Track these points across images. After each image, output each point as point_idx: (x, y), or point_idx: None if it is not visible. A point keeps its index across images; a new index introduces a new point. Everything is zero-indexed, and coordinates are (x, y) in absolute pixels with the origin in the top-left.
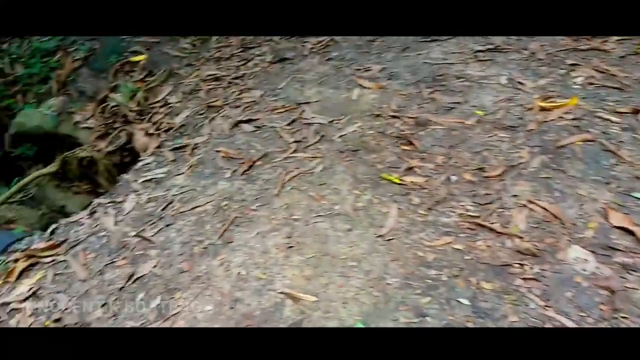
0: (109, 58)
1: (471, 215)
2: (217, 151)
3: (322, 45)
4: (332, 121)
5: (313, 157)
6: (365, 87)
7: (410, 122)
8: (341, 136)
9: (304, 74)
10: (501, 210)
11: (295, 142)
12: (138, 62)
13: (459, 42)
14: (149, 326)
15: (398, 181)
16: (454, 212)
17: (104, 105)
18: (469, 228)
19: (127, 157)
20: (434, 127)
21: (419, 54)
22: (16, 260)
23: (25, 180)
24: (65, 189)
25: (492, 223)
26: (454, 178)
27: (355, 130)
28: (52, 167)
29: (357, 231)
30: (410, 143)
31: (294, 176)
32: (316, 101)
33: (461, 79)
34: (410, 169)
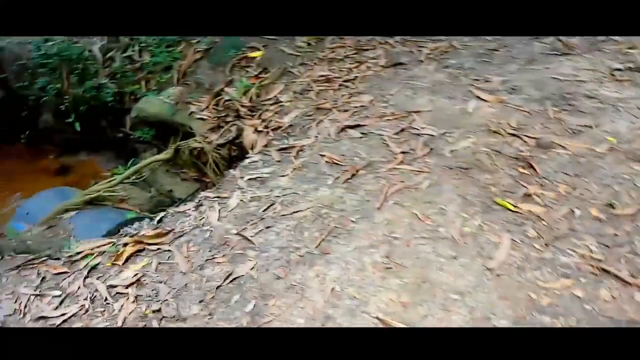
0: (228, 52)
1: (595, 258)
2: (322, 155)
3: (439, 52)
4: (443, 133)
5: (420, 171)
6: (482, 100)
7: (531, 142)
8: (452, 151)
9: (417, 80)
10: (631, 255)
11: (402, 152)
12: (254, 58)
13: (593, 57)
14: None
15: (513, 208)
16: (575, 251)
17: (218, 98)
18: (591, 272)
19: (235, 151)
20: (559, 151)
21: (547, 68)
22: (125, 245)
23: (141, 164)
24: (174, 174)
25: (620, 270)
26: (577, 212)
27: (468, 146)
28: (165, 154)
29: (463, 260)
30: (530, 166)
31: (398, 190)
32: (428, 111)
33: (593, 100)
34: (527, 195)
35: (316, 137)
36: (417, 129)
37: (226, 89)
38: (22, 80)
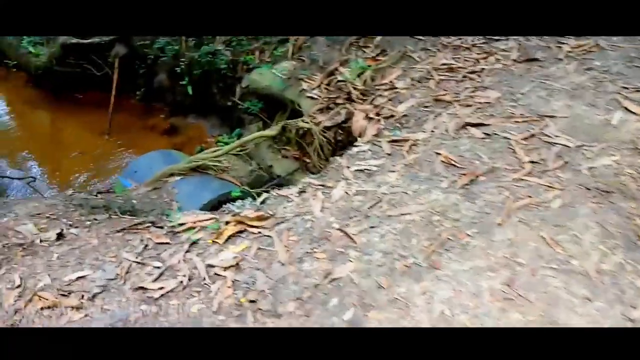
0: None
1: None
2: (437, 153)
3: (582, 50)
4: (580, 146)
5: (550, 187)
6: (631, 112)
7: None
8: (590, 168)
9: (554, 81)
10: None
11: (531, 162)
12: (374, 38)
13: None
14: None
15: None
16: None
17: (331, 77)
18: None
19: (341, 135)
20: None
21: None
22: (227, 223)
23: (247, 138)
24: (275, 150)
25: None
26: None
27: (609, 165)
28: (271, 131)
29: (599, 303)
30: None
31: (524, 205)
32: (564, 117)
33: None
34: None
35: (432, 131)
36: (550, 137)
37: (340, 69)
38: (144, 39)
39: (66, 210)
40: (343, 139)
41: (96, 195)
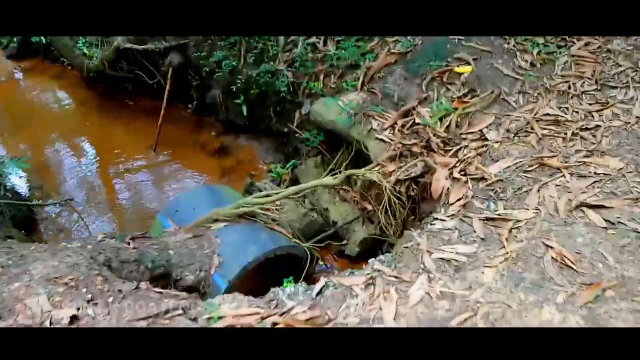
0: (429, 61)
1: None
2: (547, 246)
3: None
4: None
5: None
6: None
7: None
8: None
9: None
10: None
11: None
12: (461, 74)
13: None
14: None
15: None
16: None
17: (407, 118)
18: None
19: (415, 190)
20: None
21: None
22: (274, 325)
23: (305, 186)
24: (333, 191)
25: None
26: None
27: None
28: (334, 180)
29: None
30: None
31: None
32: None
33: None
34: None
35: (537, 210)
36: None
37: (419, 109)
38: (200, 50)
39: (89, 273)
40: (416, 195)
41: (128, 244)
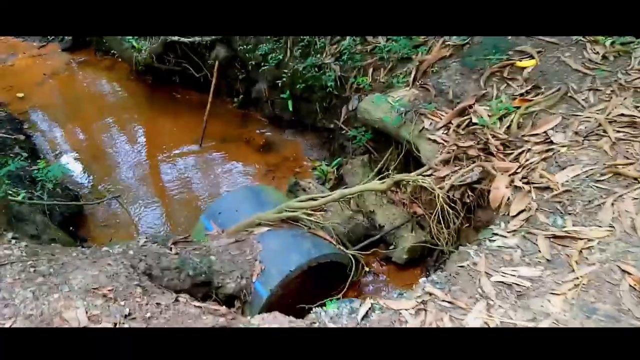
0: (488, 54)
1: None
2: (624, 271)
3: None
4: None
5: None
6: None
7: None
8: None
9: None
10: None
11: None
12: (524, 68)
13: None
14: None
15: None
16: None
17: (463, 118)
18: None
19: (471, 197)
20: None
21: None
22: None
23: (351, 191)
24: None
25: None
26: None
27: None
28: (381, 185)
29: None
30: None
31: None
32: None
33: None
34: None
35: (611, 227)
36: None
37: (476, 107)
38: (246, 43)
39: (128, 284)
40: (472, 202)
41: (170, 249)
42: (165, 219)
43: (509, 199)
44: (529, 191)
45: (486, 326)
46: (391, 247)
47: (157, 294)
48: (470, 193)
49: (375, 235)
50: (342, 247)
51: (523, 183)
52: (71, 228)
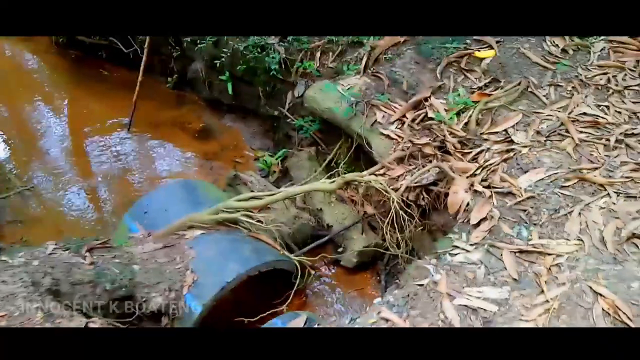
0: (446, 42)
1: None
2: (596, 293)
3: None
4: None
5: None
6: None
7: None
8: None
9: None
10: None
11: None
12: (482, 59)
13: None
14: None
15: None
16: None
17: (419, 111)
18: None
19: (426, 199)
20: None
21: None
22: None
23: (296, 190)
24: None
25: None
26: None
27: None
28: (330, 185)
29: None
30: None
31: None
32: None
33: None
34: None
35: (579, 241)
36: None
37: (432, 100)
38: None
39: (27, 308)
40: (427, 205)
41: (85, 257)
42: (88, 214)
43: (468, 204)
44: (490, 196)
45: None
46: (339, 250)
47: (63, 318)
48: (425, 195)
49: (323, 236)
50: (286, 252)
51: (483, 187)
52: None
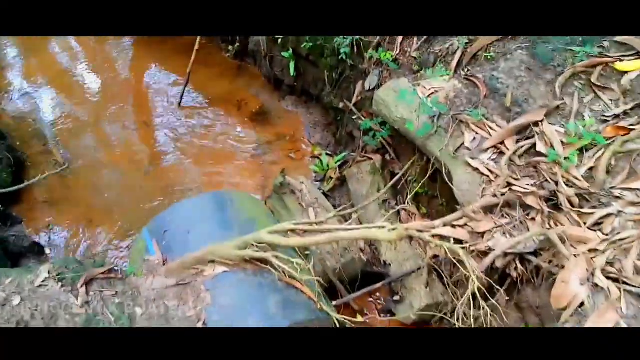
0: (573, 43)
1: None
2: None
3: None
4: None
5: None
6: None
7: None
8: None
9: None
10: None
11: None
12: (626, 73)
13: None
14: None
15: None
16: None
17: (523, 140)
18: None
19: (518, 270)
20: None
21: None
22: None
23: (345, 236)
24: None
25: None
26: None
27: None
28: (388, 234)
29: None
30: None
31: None
32: None
33: None
34: None
35: None
36: None
37: (545, 127)
38: None
39: None
40: (519, 277)
41: (77, 297)
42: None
43: (582, 304)
44: (619, 298)
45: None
46: (396, 298)
47: None
48: (519, 266)
49: (375, 275)
50: (324, 304)
51: (609, 279)
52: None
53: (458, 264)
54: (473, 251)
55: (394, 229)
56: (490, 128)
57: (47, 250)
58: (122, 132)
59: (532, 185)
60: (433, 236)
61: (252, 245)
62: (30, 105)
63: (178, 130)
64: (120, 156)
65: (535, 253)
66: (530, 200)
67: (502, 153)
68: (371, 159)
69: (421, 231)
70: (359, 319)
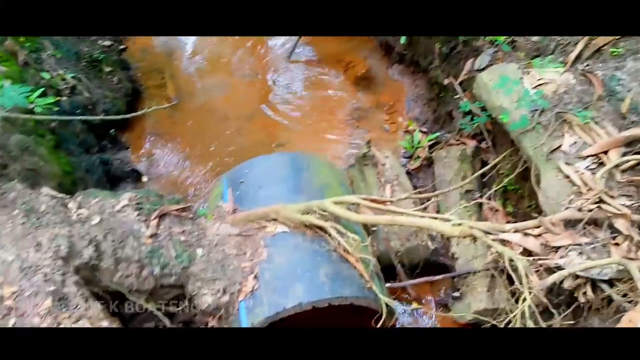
0: None
1: None
2: None
3: None
4: None
5: None
6: None
7: None
8: None
9: None
10: None
11: None
12: None
13: None
14: None
15: None
16: None
17: (631, 154)
18: None
19: (586, 295)
20: None
21: None
22: None
23: (406, 221)
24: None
25: None
26: None
27: None
28: (452, 228)
29: None
30: None
31: None
32: None
33: None
34: None
35: None
36: None
37: None
38: None
39: (40, 289)
40: (587, 303)
41: (148, 227)
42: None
43: None
44: None
45: None
46: (455, 295)
47: (76, 309)
48: (589, 291)
49: (440, 266)
50: (375, 286)
51: None
52: (112, 131)
53: (514, 276)
54: (541, 265)
55: (459, 224)
56: (597, 134)
57: (145, 179)
58: (232, 79)
59: (627, 206)
60: (499, 240)
61: (315, 212)
62: (159, 40)
63: (283, 84)
64: (226, 101)
65: (611, 282)
66: (619, 224)
67: (602, 164)
68: (464, 143)
69: (488, 233)
70: (415, 305)
